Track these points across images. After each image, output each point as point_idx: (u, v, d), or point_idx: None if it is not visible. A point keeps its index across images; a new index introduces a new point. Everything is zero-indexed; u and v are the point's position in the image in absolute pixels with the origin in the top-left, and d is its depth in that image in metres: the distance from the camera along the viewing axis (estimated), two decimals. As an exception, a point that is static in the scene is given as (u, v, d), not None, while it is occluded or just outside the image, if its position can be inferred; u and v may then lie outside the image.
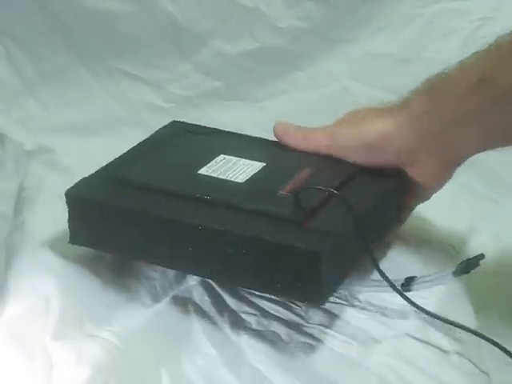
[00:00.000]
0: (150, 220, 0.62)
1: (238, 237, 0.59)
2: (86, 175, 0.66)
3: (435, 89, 0.64)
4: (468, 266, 0.60)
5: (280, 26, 0.93)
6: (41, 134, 0.87)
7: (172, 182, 0.65)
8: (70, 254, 0.67)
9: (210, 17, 0.93)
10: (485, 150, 0.66)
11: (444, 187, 0.82)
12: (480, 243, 0.75)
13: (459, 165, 0.68)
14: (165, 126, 0.76)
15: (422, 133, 0.64)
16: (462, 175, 0.84)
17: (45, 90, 0.92)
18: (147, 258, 0.64)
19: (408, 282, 0.62)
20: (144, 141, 0.73)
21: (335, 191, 0.61)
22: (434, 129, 0.64)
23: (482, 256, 0.60)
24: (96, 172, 0.67)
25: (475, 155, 0.66)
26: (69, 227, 0.65)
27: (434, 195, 0.81)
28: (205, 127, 0.74)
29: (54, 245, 0.68)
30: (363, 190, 0.66)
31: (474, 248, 0.74)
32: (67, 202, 0.65)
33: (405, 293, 0.61)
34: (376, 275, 0.62)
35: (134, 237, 0.63)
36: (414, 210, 0.77)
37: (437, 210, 0.79)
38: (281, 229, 0.59)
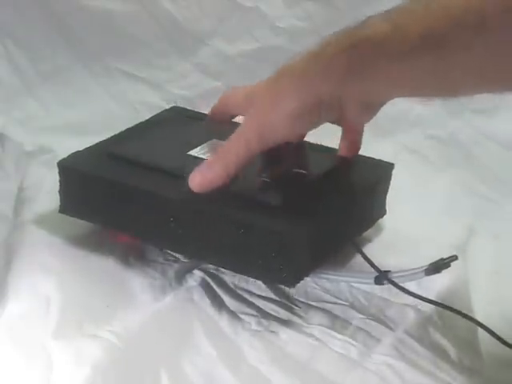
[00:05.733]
0: (132, 193, 0.64)
1: (214, 215, 0.61)
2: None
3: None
4: (440, 267, 0.60)
5: (280, 25, 0.92)
6: (41, 134, 0.86)
7: (161, 160, 0.66)
8: (70, 253, 0.67)
9: (210, 17, 0.93)
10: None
11: (444, 187, 0.83)
12: (480, 243, 0.75)
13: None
14: (165, 110, 0.79)
15: None
16: (463, 174, 0.84)
17: (45, 90, 0.92)
18: (131, 231, 0.66)
19: (382, 275, 0.62)
20: (143, 122, 0.75)
21: (316, 178, 0.63)
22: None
23: (455, 257, 0.60)
24: (91, 146, 0.70)
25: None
26: (59, 197, 0.67)
27: (433, 195, 0.82)
28: (204, 114, 0.75)
29: (54, 245, 0.68)
30: (350, 179, 0.68)
31: (474, 248, 0.74)
32: (59, 172, 0.67)
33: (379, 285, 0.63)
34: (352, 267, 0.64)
35: (119, 210, 0.65)
36: (414, 209, 0.77)
37: (437, 210, 0.79)
38: (257, 211, 0.61)
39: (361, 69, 0.56)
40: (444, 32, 0.51)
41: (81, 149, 0.69)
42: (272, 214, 0.61)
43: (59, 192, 0.67)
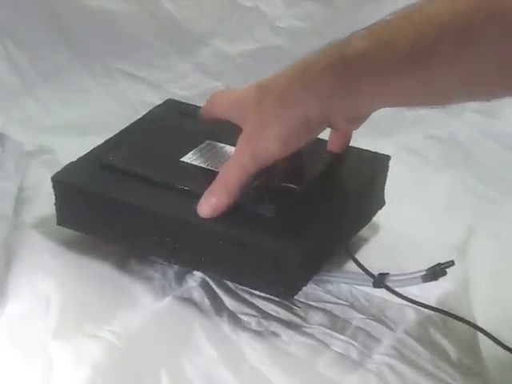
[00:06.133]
0: (127, 208, 0.64)
1: (208, 232, 0.61)
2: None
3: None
4: (437, 273, 0.60)
5: (280, 25, 0.92)
6: (41, 134, 0.86)
7: (154, 170, 0.66)
8: (70, 253, 0.67)
9: (210, 17, 0.93)
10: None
11: (444, 187, 0.83)
12: (480, 243, 0.75)
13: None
14: (159, 105, 0.78)
15: None
16: (462, 174, 0.84)
17: (45, 90, 0.92)
18: (127, 243, 0.66)
19: (380, 278, 0.62)
20: (135, 122, 0.75)
21: (306, 191, 0.63)
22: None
23: (451, 263, 0.60)
24: (84, 156, 0.69)
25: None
26: (56, 210, 0.67)
27: (433, 195, 0.82)
28: (198, 107, 0.74)
29: (54, 245, 0.68)
30: (346, 177, 0.67)
31: (474, 248, 0.74)
32: (53, 187, 0.67)
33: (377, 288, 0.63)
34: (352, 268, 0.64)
35: (115, 223, 0.65)
36: (414, 209, 0.77)
37: (436, 210, 0.79)
38: (251, 225, 0.61)
39: (346, 86, 0.57)
40: (429, 44, 0.52)
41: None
42: (266, 228, 0.60)
43: (55, 205, 0.67)
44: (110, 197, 0.65)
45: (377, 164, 0.70)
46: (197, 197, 0.62)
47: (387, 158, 0.70)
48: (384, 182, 0.71)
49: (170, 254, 0.64)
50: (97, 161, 0.68)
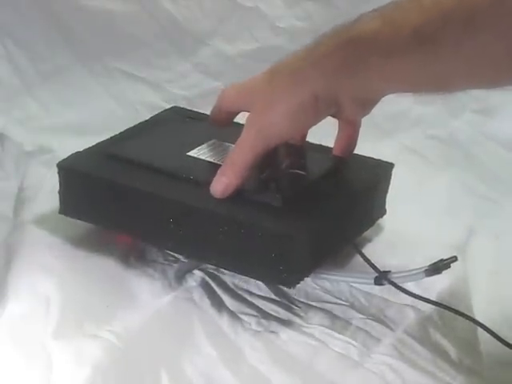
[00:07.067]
0: (133, 194, 0.64)
1: (214, 215, 0.61)
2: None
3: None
4: (440, 268, 0.60)
5: (280, 25, 0.93)
6: (41, 134, 0.87)
7: (160, 161, 0.66)
8: (70, 253, 0.67)
9: (210, 17, 0.93)
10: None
11: (444, 187, 0.83)
12: (480, 243, 0.75)
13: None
14: (165, 110, 0.79)
15: None
16: (463, 174, 0.84)
17: (45, 90, 0.92)
18: (130, 231, 0.66)
19: (382, 276, 0.62)
20: (142, 122, 0.75)
21: (316, 179, 0.64)
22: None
23: (454, 258, 0.60)
24: (90, 147, 0.70)
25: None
26: (59, 198, 0.67)
27: (433, 195, 0.82)
28: (204, 114, 0.75)
29: (54, 245, 0.68)
30: (350, 179, 0.68)
31: (474, 248, 0.74)
32: (58, 173, 0.67)
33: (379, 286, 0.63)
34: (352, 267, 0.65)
35: (119, 211, 0.65)
36: (414, 210, 0.77)
37: (437, 210, 0.79)
38: (258, 211, 0.61)
39: (354, 65, 0.57)
40: (436, 27, 0.52)
41: (81, 149, 0.69)
42: (273, 215, 0.61)
43: (59, 193, 0.67)
44: (115, 182, 0.65)
45: (380, 170, 0.70)
46: (202, 186, 0.63)
47: (390, 165, 0.71)
48: (386, 190, 0.71)
49: (174, 242, 0.64)
50: (102, 152, 0.68)
